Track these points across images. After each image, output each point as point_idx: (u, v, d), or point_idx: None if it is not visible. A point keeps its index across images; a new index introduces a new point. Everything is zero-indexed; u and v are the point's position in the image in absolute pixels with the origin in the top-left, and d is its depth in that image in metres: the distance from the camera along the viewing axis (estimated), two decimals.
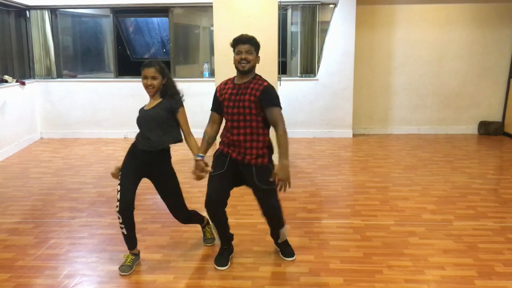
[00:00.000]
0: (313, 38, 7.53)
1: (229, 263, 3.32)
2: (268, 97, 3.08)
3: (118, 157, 6.52)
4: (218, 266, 3.29)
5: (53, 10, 7.74)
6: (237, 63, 3.15)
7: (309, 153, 6.61)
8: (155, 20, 9.00)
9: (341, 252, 3.49)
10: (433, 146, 7.04)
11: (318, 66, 7.65)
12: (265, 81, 3.19)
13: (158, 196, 4.75)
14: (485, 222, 4.04)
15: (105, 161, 6.32)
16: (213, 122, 3.38)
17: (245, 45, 3.14)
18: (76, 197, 4.82)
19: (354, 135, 7.81)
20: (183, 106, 3.35)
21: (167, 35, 8.13)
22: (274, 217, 3.30)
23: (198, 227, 4.03)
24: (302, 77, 7.66)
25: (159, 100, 3.28)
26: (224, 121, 3.33)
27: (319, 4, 7.45)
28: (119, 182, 3.23)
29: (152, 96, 3.31)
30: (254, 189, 3.23)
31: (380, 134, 7.99)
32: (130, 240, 3.31)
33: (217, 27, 5.76)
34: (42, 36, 7.60)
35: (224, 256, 3.36)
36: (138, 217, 4.21)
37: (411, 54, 7.83)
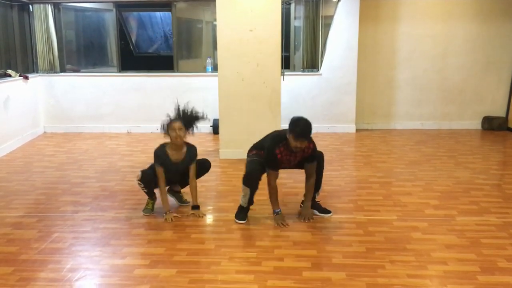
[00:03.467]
0: (316, 33, 7.51)
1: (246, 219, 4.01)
2: (314, 155, 3.92)
3: (122, 151, 6.54)
4: (240, 220, 3.97)
5: (56, 4, 7.73)
6: (295, 148, 3.71)
7: None
8: (158, 14, 8.99)
9: (343, 247, 3.49)
10: (437, 141, 7.03)
11: (321, 61, 7.62)
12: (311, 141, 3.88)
13: None
14: (488, 218, 4.03)
15: (108, 155, 6.33)
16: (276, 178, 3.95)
17: (305, 139, 3.69)
18: (79, 191, 4.84)
19: (357, 130, 7.80)
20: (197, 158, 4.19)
21: (170, 29, 8.11)
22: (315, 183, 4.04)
23: (200, 221, 4.05)
24: (305, 72, 7.64)
25: (184, 149, 4.06)
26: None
27: None
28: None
29: (179, 146, 4.01)
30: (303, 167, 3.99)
31: (383, 129, 7.97)
32: (149, 194, 4.19)
33: (220, 21, 5.74)
34: (45, 30, 7.60)
35: (244, 212, 4.01)
36: (140, 211, 4.23)
37: (415, 49, 7.79)
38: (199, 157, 4.22)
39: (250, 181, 3.90)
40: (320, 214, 4.11)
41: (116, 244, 3.58)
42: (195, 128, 4.10)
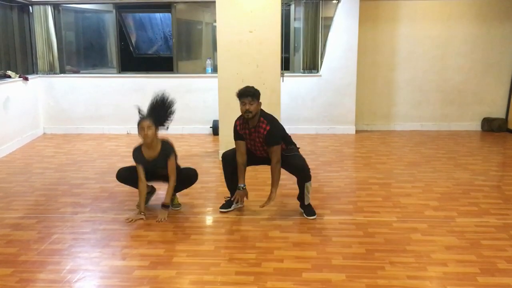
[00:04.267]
0: (316, 34, 7.51)
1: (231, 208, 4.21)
2: (271, 138, 3.90)
3: (121, 152, 6.53)
4: (224, 208, 4.18)
5: (56, 6, 7.73)
6: (243, 112, 3.87)
7: (311, 149, 6.61)
8: (158, 15, 8.98)
9: (343, 248, 3.49)
10: (436, 143, 7.03)
11: (321, 62, 7.62)
12: (269, 123, 3.90)
13: (160, 192, 4.79)
14: (488, 219, 4.03)
15: (108, 156, 6.33)
16: (242, 152, 4.06)
17: (247, 97, 3.82)
18: (79, 192, 4.83)
19: (357, 131, 7.80)
20: (174, 153, 4.03)
21: (170, 30, 8.12)
22: (303, 171, 4.02)
23: (200, 222, 4.05)
24: (305, 73, 7.65)
25: (159, 147, 3.99)
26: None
27: (322, 0, 7.43)
28: None
29: (150, 144, 3.96)
30: (284, 160, 3.98)
31: (383, 131, 7.97)
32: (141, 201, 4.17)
33: (220, 23, 5.75)
34: (45, 31, 7.60)
35: (228, 203, 4.20)
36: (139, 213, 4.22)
37: (414, 50, 7.80)
38: (188, 163, 4.27)
39: (224, 163, 4.16)
40: (304, 215, 4.11)
41: (115, 245, 3.58)
42: (168, 123, 4.08)
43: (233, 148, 4.13)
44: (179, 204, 4.34)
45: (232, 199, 4.09)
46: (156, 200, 4.47)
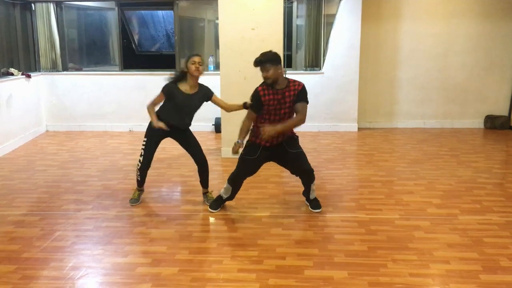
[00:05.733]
0: (319, 32, 7.50)
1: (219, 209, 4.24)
2: (303, 94, 3.90)
3: (124, 150, 6.54)
4: (213, 209, 4.20)
5: (59, 3, 7.74)
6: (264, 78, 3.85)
7: (314, 147, 6.60)
8: (160, 13, 8.98)
9: (345, 245, 3.49)
10: (439, 140, 7.01)
11: (324, 60, 7.61)
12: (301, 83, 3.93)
13: (163, 189, 4.81)
14: (490, 217, 4.03)
15: (111, 154, 6.34)
16: (250, 119, 4.06)
17: (260, 66, 3.80)
18: (81, 189, 4.84)
19: (359, 128, 7.79)
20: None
21: (172, 28, 8.11)
22: (310, 174, 4.09)
23: (202, 220, 4.06)
24: (307, 70, 7.64)
25: (198, 87, 4.16)
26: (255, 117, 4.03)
27: None
28: (144, 145, 4.26)
29: (195, 79, 4.11)
30: (287, 157, 4.04)
31: (385, 128, 7.96)
32: (141, 182, 4.42)
33: (222, 20, 5.74)
34: (48, 29, 7.60)
35: (219, 203, 4.24)
36: (143, 210, 4.24)
37: (417, 48, 7.77)
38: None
39: (235, 182, 4.15)
40: (310, 208, 4.24)
41: (118, 242, 3.59)
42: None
43: (242, 170, 4.12)
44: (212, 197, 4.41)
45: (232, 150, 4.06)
46: (155, 196, 4.47)
